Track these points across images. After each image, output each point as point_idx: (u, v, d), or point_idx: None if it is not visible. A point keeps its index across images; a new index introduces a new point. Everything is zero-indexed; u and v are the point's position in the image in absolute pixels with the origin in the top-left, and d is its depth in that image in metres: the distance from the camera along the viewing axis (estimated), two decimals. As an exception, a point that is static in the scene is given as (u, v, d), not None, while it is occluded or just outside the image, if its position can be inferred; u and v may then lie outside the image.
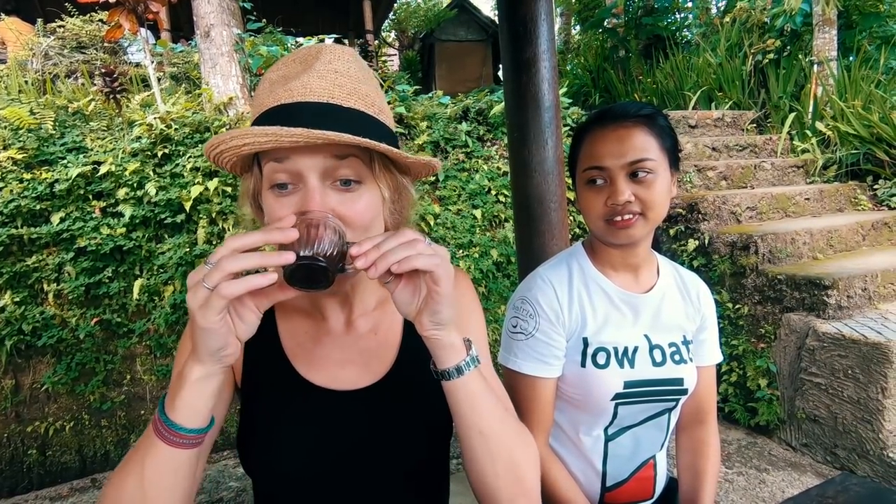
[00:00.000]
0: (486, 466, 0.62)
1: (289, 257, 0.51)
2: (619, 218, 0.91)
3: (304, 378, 0.71)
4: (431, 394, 0.68)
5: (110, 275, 3.07)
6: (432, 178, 3.96)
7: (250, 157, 0.66)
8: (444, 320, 0.57)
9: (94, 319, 3.04)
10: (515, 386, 0.98)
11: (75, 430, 3.02)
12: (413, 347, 0.71)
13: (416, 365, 0.71)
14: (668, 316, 1.02)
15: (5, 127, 3.09)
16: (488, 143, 4.24)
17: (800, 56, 4.96)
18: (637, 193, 0.90)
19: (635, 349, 0.98)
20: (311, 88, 0.60)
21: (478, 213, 3.92)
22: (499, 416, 0.63)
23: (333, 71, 0.61)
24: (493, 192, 4.01)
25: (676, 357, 1.00)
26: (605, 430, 0.98)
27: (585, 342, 0.97)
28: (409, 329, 0.74)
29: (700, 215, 3.47)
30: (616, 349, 0.97)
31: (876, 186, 3.88)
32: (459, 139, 4.08)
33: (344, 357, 0.72)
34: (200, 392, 0.57)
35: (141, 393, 3.15)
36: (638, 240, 0.94)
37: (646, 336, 1.00)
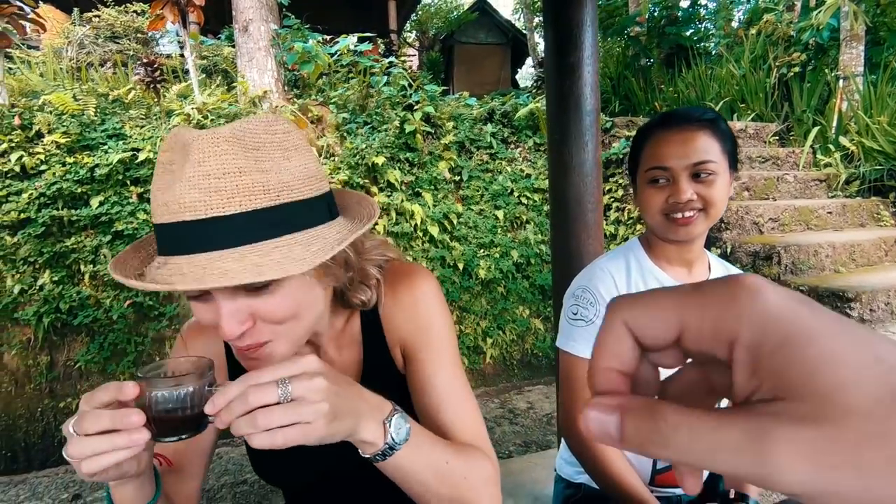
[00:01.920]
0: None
1: (138, 438, 0.48)
2: (679, 215, 0.97)
3: None
4: (398, 399, 0.66)
5: (144, 259, 3.16)
6: (456, 178, 4.02)
7: None
8: (343, 436, 0.53)
9: (128, 302, 3.13)
10: (573, 370, 1.03)
11: (105, 408, 3.11)
12: (374, 368, 0.74)
13: (379, 377, 0.73)
14: None
15: (50, 112, 3.19)
16: (512, 146, 4.30)
17: (825, 70, 4.97)
18: (699, 192, 0.96)
19: None
20: (185, 203, 0.51)
21: (500, 213, 3.98)
22: (442, 479, 0.61)
23: (205, 176, 0.51)
24: (516, 194, 4.07)
25: None
26: None
27: None
28: (367, 348, 0.75)
29: (723, 224, 3.51)
30: None
31: (899, 203, 3.90)
32: (484, 140, 4.14)
33: None
34: (125, 494, 0.56)
35: (168, 375, 3.23)
36: (696, 236, 0.99)
37: None
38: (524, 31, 11.11)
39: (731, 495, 1.02)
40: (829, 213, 3.74)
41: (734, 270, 1.15)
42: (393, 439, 0.56)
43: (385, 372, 0.74)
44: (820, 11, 4.72)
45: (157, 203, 0.53)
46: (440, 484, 0.61)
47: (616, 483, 0.96)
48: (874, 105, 4.34)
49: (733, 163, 1.00)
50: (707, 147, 0.95)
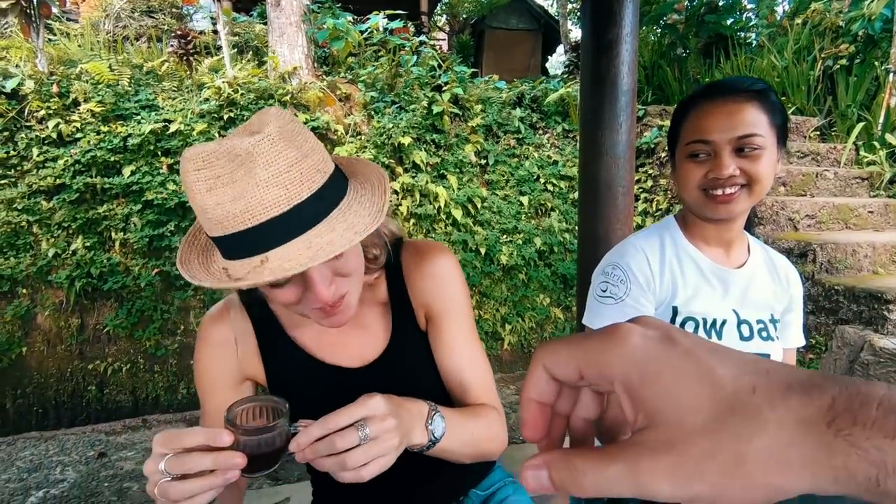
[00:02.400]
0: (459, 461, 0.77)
1: (232, 476, 0.53)
2: (720, 191, 0.91)
3: (317, 359, 0.80)
4: (421, 358, 0.83)
5: (172, 229, 3.22)
6: (482, 162, 3.98)
7: None
8: (400, 450, 0.62)
9: (155, 270, 3.20)
10: None
11: (131, 372, 3.20)
12: (401, 327, 0.82)
13: (405, 339, 0.82)
14: (757, 293, 1.02)
15: (87, 81, 3.25)
16: (540, 131, 4.23)
17: (875, 64, 4.73)
18: (742, 167, 0.89)
19: (723, 322, 0.98)
20: (268, 202, 0.56)
21: (525, 199, 3.92)
22: (467, 446, 0.74)
23: (278, 173, 0.56)
24: (542, 181, 4.01)
25: (764, 334, 1.00)
26: None
27: (675, 311, 0.99)
28: (395, 309, 0.82)
29: (756, 219, 3.39)
30: (705, 320, 0.98)
31: (946, 205, 3.70)
32: (512, 125, 4.08)
33: (344, 337, 0.81)
34: None
35: (192, 344, 3.29)
36: (737, 214, 0.94)
37: (734, 311, 1.00)
38: (557, 18, 10.85)
39: None
40: (871, 212, 3.58)
41: (775, 254, 1.09)
42: (434, 436, 0.67)
43: (410, 330, 0.82)
44: (873, 0, 4.48)
45: (230, 213, 0.56)
46: (466, 448, 0.75)
47: None
48: (926, 101, 4.12)
49: (783, 138, 0.93)
50: (754, 119, 0.89)
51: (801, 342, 1.08)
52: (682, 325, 0.98)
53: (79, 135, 3.16)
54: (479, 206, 3.82)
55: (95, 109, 3.17)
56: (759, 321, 1.01)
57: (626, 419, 0.25)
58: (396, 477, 0.80)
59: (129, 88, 3.37)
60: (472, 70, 4.51)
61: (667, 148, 1.06)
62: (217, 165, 0.56)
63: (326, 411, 0.59)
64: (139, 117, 3.26)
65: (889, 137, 4.14)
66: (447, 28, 10.63)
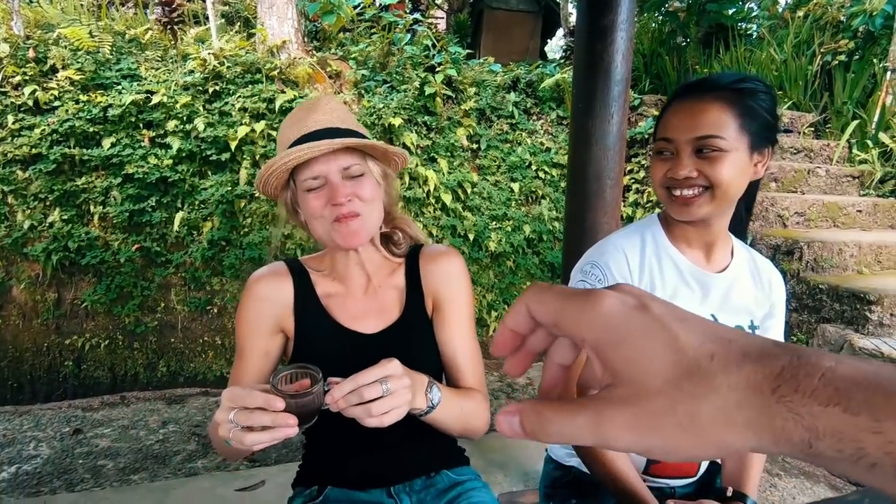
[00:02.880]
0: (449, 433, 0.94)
1: (290, 431, 0.69)
2: (678, 192, 0.89)
3: (339, 323, 0.95)
4: (424, 337, 0.98)
5: (153, 204, 3.14)
6: (474, 146, 3.91)
7: (286, 179, 0.93)
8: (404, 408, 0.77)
9: (136, 246, 3.13)
10: None
11: (109, 348, 3.15)
12: (411, 308, 0.98)
13: (413, 318, 0.98)
14: (738, 298, 1.00)
15: (65, 46, 3.12)
16: (534, 117, 4.16)
17: (873, 61, 4.69)
18: (701, 169, 0.86)
19: None
20: (318, 121, 0.90)
21: (516, 186, 3.88)
22: (457, 420, 0.90)
23: (331, 110, 0.93)
24: (534, 168, 3.96)
25: None
26: None
27: None
28: (409, 293, 0.99)
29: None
30: None
31: (934, 207, 3.71)
32: (506, 109, 4.00)
33: (365, 309, 0.97)
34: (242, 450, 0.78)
35: (173, 322, 3.26)
36: (700, 218, 0.91)
37: (713, 316, 0.98)
38: (557, 0, 10.65)
39: (728, 493, 0.98)
40: (859, 211, 3.59)
41: (760, 258, 1.06)
42: (432, 403, 0.82)
43: (418, 312, 0.98)
44: (876, -4, 4.43)
45: (298, 127, 0.90)
46: (456, 422, 0.91)
47: (609, 470, 0.92)
48: (921, 101, 4.10)
49: (759, 142, 0.88)
50: (717, 121, 0.85)
51: None
52: None
53: (56, 103, 3.05)
54: (469, 191, 3.77)
55: (74, 77, 3.05)
56: (737, 327, 0.99)
57: (595, 382, 0.28)
58: (378, 445, 0.95)
59: (111, 56, 3.25)
60: (468, 51, 4.41)
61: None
62: (298, 113, 0.93)
63: (339, 366, 0.77)
64: (120, 87, 3.15)
65: (882, 136, 4.13)
66: (445, 6, 10.41)
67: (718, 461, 1.08)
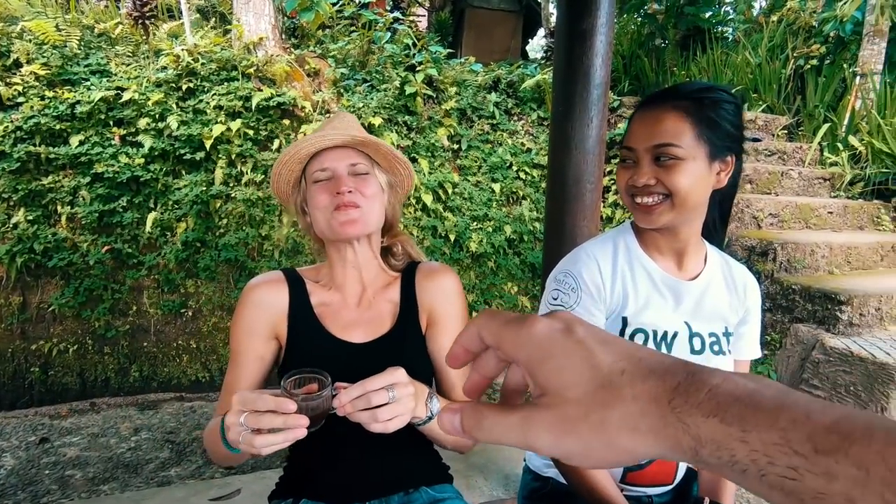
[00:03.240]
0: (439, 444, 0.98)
1: (301, 433, 0.71)
2: (640, 200, 0.91)
3: (329, 333, 0.97)
4: (416, 350, 0.99)
5: (125, 204, 3.05)
6: (454, 146, 3.90)
7: (299, 176, 1.00)
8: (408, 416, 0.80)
9: (106, 247, 3.03)
10: None
11: (78, 353, 3.05)
12: (404, 321, 0.99)
13: (405, 331, 0.99)
14: (711, 305, 1.00)
15: (30, 40, 3.00)
16: (515, 118, 4.16)
17: (843, 66, 4.82)
18: (660, 177, 0.88)
19: (675, 335, 0.97)
20: (336, 127, 0.97)
21: (497, 186, 3.87)
22: None
23: (349, 122, 0.99)
24: (515, 168, 3.95)
25: (715, 348, 0.99)
26: None
27: (624, 322, 0.97)
28: (403, 307, 1.01)
29: (722, 216, 3.43)
30: (655, 332, 0.96)
31: (900, 208, 3.83)
32: (487, 109, 3.99)
33: (357, 320, 0.99)
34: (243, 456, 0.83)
35: (145, 325, 3.17)
36: (662, 225, 0.92)
37: (686, 323, 0.99)
38: (538, 0, 10.68)
39: (706, 502, 0.98)
40: (830, 212, 3.68)
41: (735, 264, 1.07)
42: (431, 412, 0.83)
43: (412, 326, 1.00)
44: (846, 2, 4.54)
45: (320, 131, 0.96)
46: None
47: (586, 481, 0.91)
48: (888, 105, 4.22)
49: (719, 152, 0.90)
50: (674, 129, 0.87)
51: (757, 354, 1.07)
52: (632, 336, 0.96)
53: (21, 99, 2.93)
54: (450, 191, 3.75)
55: (40, 72, 2.94)
56: (711, 334, 0.99)
57: (520, 387, 0.33)
58: (356, 459, 0.96)
59: (79, 51, 3.14)
60: (449, 50, 4.39)
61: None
62: (318, 127, 1.03)
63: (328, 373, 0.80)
64: (89, 83, 3.04)
65: (852, 140, 4.24)
66: (427, 4, 10.35)
67: (693, 468, 1.09)
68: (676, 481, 1.02)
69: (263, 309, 0.96)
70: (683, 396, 0.24)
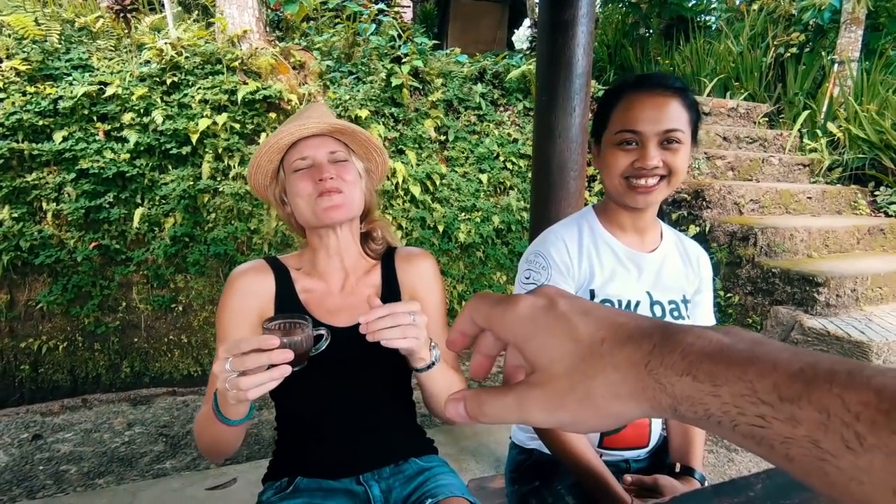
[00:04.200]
0: (434, 405, 0.99)
1: (285, 370, 0.74)
2: (643, 181, 0.96)
3: (315, 318, 0.98)
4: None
5: (111, 200, 3.03)
6: (442, 138, 3.92)
7: (275, 171, 1.02)
8: (417, 352, 0.87)
9: (93, 244, 3.02)
10: None
11: (68, 350, 3.04)
12: (388, 302, 1.01)
13: None
14: (669, 276, 1.09)
15: (9, 35, 2.96)
16: (501, 108, 4.18)
17: (822, 53, 4.91)
18: (665, 159, 0.95)
19: (637, 303, 1.05)
20: (310, 116, 0.99)
21: (484, 177, 3.90)
22: (445, 388, 0.95)
23: (322, 111, 1.03)
24: (502, 159, 3.99)
25: (675, 314, 1.07)
26: None
27: (592, 294, 1.05)
28: (385, 290, 1.05)
29: (704, 202, 3.51)
30: (620, 302, 1.04)
31: (877, 193, 3.94)
32: (473, 100, 4.01)
33: (341, 305, 1.02)
34: (242, 407, 0.82)
35: (135, 321, 3.17)
36: (654, 204, 1.01)
37: (647, 293, 1.07)
38: (524, -10, 10.64)
39: (677, 469, 1.04)
40: (809, 198, 3.77)
41: (686, 239, 1.18)
42: (435, 358, 0.90)
43: None
44: (824, -9, 4.62)
45: (293, 123, 0.97)
46: (444, 391, 0.94)
47: (566, 448, 0.97)
48: (865, 92, 4.32)
49: (695, 136, 0.99)
50: (678, 115, 0.94)
51: (711, 321, 1.15)
52: None
53: (1, 95, 2.89)
54: (437, 182, 3.78)
55: (20, 68, 2.90)
56: (671, 302, 1.07)
57: (521, 365, 0.34)
58: (347, 435, 0.99)
59: (60, 46, 3.10)
60: (434, 42, 4.39)
61: (592, 133, 1.08)
62: (292, 116, 1.04)
63: (313, 359, 0.82)
64: (71, 78, 3.01)
65: (830, 126, 4.34)
66: (412, -5, 10.27)
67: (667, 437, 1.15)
68: (651, 444, 1.09)
69: (251, 296, 0.98)
70: (658, 359, 0.26)
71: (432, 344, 0.90)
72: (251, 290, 0.98)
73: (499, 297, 0.33)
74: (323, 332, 0.84)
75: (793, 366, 0.23)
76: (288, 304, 1.00)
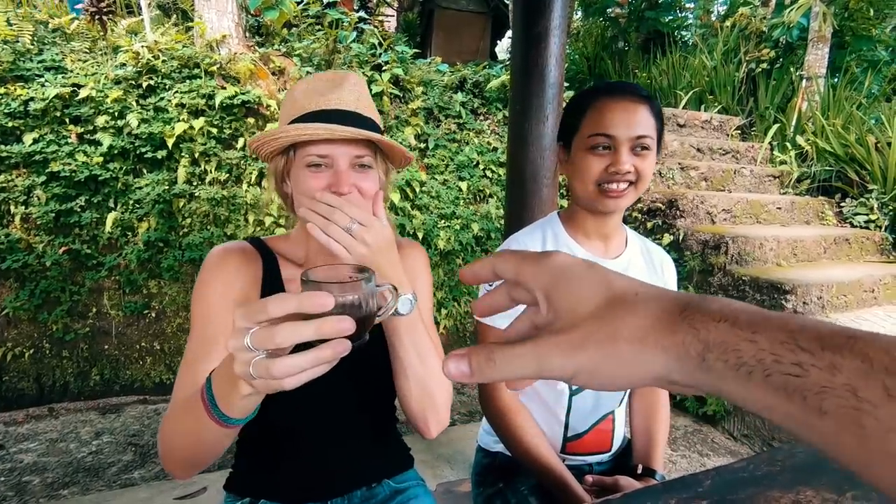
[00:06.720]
0: (403, 383, 0.85)
1: (342, 347, 0.47)
2: (614, 186, 0.98)
3: None
4: (382, 346, 0.88)
5: (83, 204, 2.97)
6: (422, 146, 3.94)
7: (288, 146, 0.86)
8: (391, 273, 0.80)
9: (63, 248, 2.95)
10: (487, 340, 1.04)
11: (35, 357, 2.96)
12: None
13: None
14: None
15: (-21, 35, 2.90)
16: (481, 117, 4.23)
17: (791, 69, 5.08)
18: (636, 164, 0.97)
19: None
20: (343, 100, 0.85)
21: (464, 185, 3.93)
22: (417, 355, 0.83)
23: (358, 92, 0.87)
24: (481, 167, 4.03)
25: None
26: (570, 385, 1.05)
27: None
28: None
29: (678, 212, 3.58)
30: None
31: (843, 204, 4.07)
32: (453, 109, 4.05)
33: None
34: (253, 401, 0.57)
35: (106, 328, 3.10)
36: (621, 209, 1.02)
37: None
38: (506, 1, 10.83)
39: (639, 470, 1.06)
40: (779, 208, 3.88)
41: (652, 245, 1.19)
42: (413, 297, 0.79)
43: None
44: (792, 9, 4.79)
45: (318, 100, 0.84)
46: (420, 364, 0.83)
47: (528, 451, 0.98)
48: (831, 107, 4.48)
49: (659, 145, 1.02)
50: (648, 122, 0.97)
51: None
52: None
53: (-31, 96, 2.83)
54: (417, 190, 3.79)
55: (-10, 68, 2.84)
56: None
57: (533, 326, 0.35)
58: (318, 456, 0.92)
59: (32, 47, 3.05)
60: (415, 50, 4.43)
61: (559, 139, 1.09)
62: (318, 82, 0.87)
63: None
64: (43, 79, 2.96)
65: (799, 139, 4.48)
66: (395, 4, 10.35)
67: (630, 439, 1.17)
68: (614, 449, 1.10)
69: (238, 276, 0.86)
70: (695, 307, 0.26)
71: (403, 293, 0.78)
72: (240, 270, 0.86)
73: (529, 252, 0.34)
74: (387, 287, 0.58)
75: (833, 327, 0.23)
76: (273, 291, 0.88)
